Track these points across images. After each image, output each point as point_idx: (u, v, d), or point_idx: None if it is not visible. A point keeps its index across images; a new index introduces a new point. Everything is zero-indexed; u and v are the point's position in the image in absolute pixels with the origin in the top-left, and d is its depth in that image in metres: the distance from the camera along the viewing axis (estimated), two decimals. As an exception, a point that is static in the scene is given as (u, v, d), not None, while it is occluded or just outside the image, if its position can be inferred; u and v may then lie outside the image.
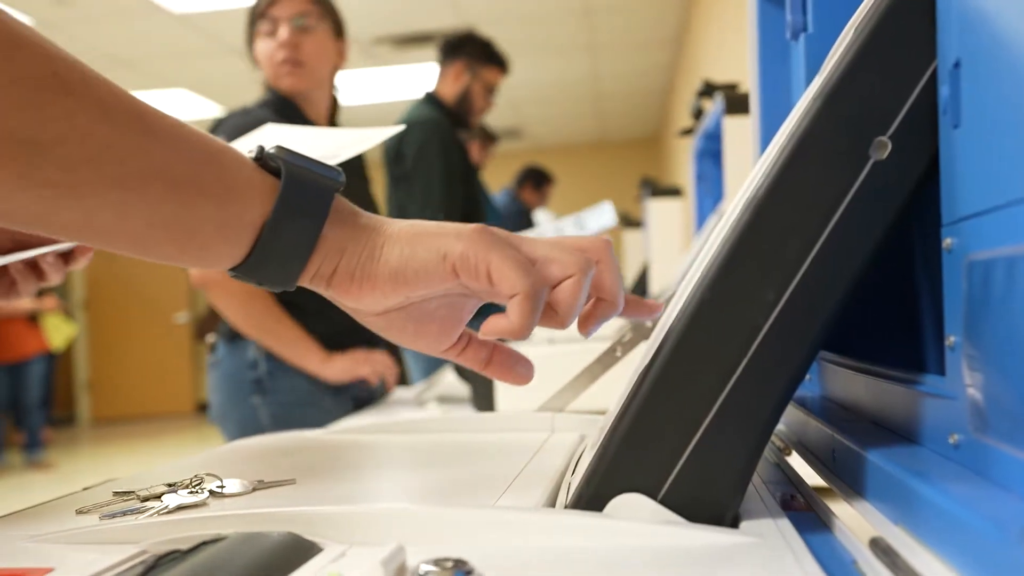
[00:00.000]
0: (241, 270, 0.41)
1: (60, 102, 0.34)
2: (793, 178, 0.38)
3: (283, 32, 1.50)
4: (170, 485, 0.50)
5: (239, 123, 1.48)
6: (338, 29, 1.60)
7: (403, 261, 0.42)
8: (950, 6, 0.35)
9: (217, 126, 1.51)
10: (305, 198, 0.41)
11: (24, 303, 5.54)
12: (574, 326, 0.45)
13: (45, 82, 0.34)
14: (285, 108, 1.53)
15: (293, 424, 1.47)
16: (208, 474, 0.51)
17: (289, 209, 0.40)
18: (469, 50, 2.53)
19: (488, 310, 0.48)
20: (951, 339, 0.36)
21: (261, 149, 0.42)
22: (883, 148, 0.38)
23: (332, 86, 1.61)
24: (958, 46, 0.34)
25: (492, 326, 0.43)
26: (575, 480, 0.49)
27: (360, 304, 0.44)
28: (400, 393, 1.54)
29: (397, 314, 0.44)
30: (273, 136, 0.88)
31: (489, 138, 3.78)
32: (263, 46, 1.51)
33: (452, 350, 0.47)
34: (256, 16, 1.53)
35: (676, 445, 0.38)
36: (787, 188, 0.39)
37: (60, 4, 4.07)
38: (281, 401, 1.50)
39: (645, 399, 0.39)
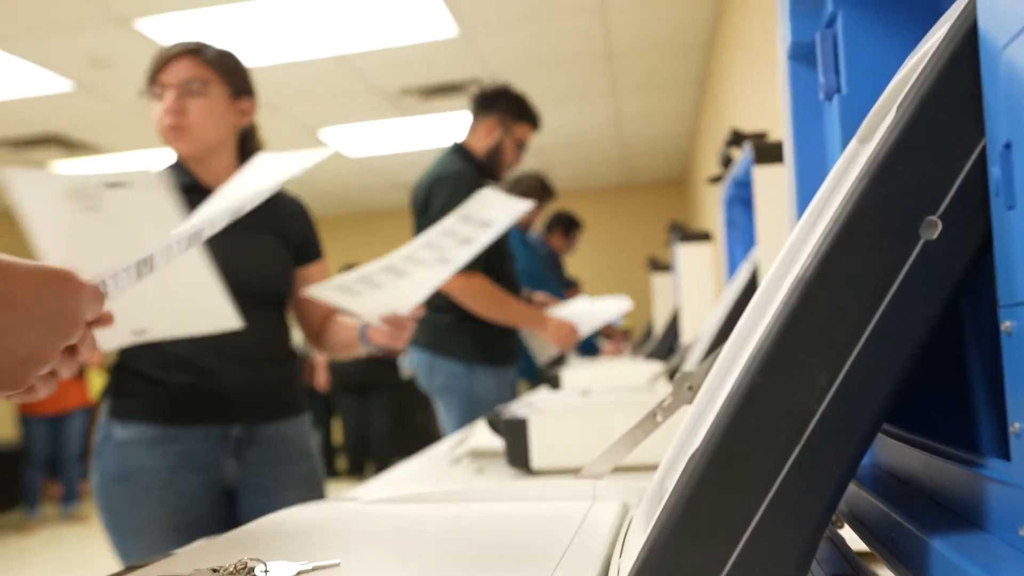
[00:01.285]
0: None
1: None
2: (842, 258, 0.38)
3: (168, 98, 1.49)
4: (215, 571, 0.49)
5: None
6: (238, 89, 1.58)
7: None
8: (997, 87, 0.35)
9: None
10: None
11: None
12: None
13: None
14: (179, 171, 1.52)
15: (110, 495, 1.43)
16: (252, 558, 0.51)
17: None
18: (503, 106, 2.56)
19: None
20: (1016, 426, 0.35)
21: None
22: (934, 228, 0.37)
23: (233, 147, 1.59)
24: (1008, 127, 0.34)
25: None
26: (624, 564, 0.48)
27: None
28: (434, 448, 1.53)
29: None
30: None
31: (547, 193, 3.71)
32: (154, 109, 1.51)
33: None
34: (149, 78, 1.53)
35: (729, 536, 0.37)
36: (836, 269, 0.38)
37: (99, 66, 4.21)
38: (102, 466, 1.46)
39: (695, 488, 0.38)
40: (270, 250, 1.56)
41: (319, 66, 4.34)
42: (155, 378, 1.46)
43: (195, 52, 1.52)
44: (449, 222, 1.38)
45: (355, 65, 4.40)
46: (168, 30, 3.74)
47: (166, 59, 1.50)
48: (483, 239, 1.41)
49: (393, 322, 1.43)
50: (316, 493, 1.61)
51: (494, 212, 1.42)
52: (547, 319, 2.58)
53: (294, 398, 1.60)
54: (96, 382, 6.06)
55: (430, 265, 1.39)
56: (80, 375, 5.77)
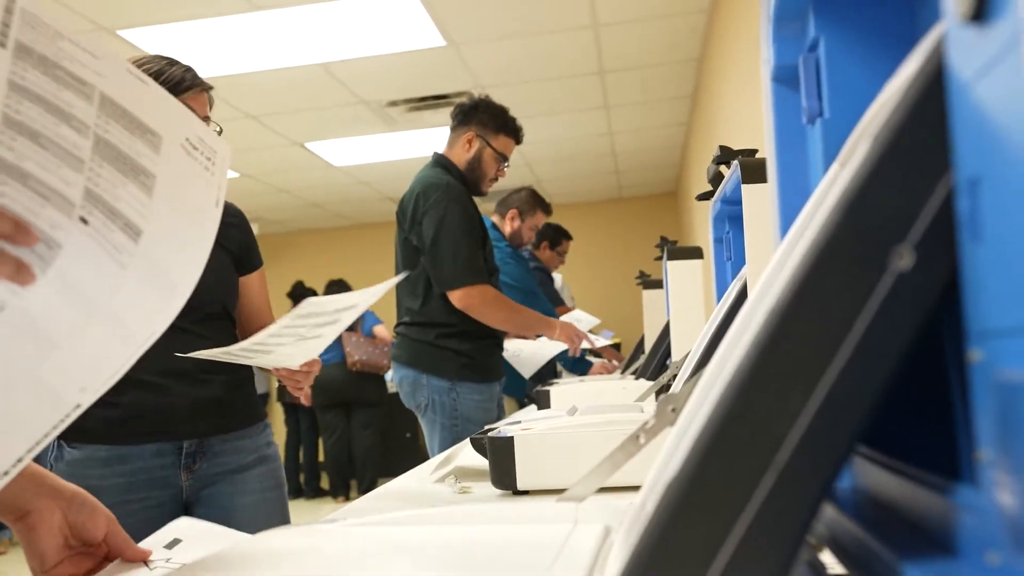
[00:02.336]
0: None
1: None
2: (813, 290, 0.38)
3: None
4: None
5: None
6: None
7: None
8: (965, 121, 0.35)
9: None
10: None
11: None
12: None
13: None
14: None
15: None
16: (229, 583, 0.51)
17: None
18: (481, 118, 2.56)
19: None
20: (984, 453, 0.35)
21: None
22: (905, 258, 0.37)
23: None
24: (978, 162, 0.34)
25: None
26: (601, 590, 0.48)
27: None
28: (418, 467, 1.52)
29: None
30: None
31: (541, 207, 3.63)
32: None
33: None
34: None
35: (705, 561, 0.37)
36: (809, 297, 0.38)
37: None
38: None
39: (671, 513, 0.38)
40: (214, 260, 1.50)
41: (304, 75, 4.34)
42: (103, 399, 1.41)
43: (207, 91, 1.51)
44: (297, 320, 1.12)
45: (341, 76, 4.40)
46: (151, 40, 3.71)
47: (183, 88, 1.45)
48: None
49: (287, 375, 1.41)
50: (275, 495, 1.61)
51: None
52: (555, 321, 2.67)
53: (246, 408, 1.60)
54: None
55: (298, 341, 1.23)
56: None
